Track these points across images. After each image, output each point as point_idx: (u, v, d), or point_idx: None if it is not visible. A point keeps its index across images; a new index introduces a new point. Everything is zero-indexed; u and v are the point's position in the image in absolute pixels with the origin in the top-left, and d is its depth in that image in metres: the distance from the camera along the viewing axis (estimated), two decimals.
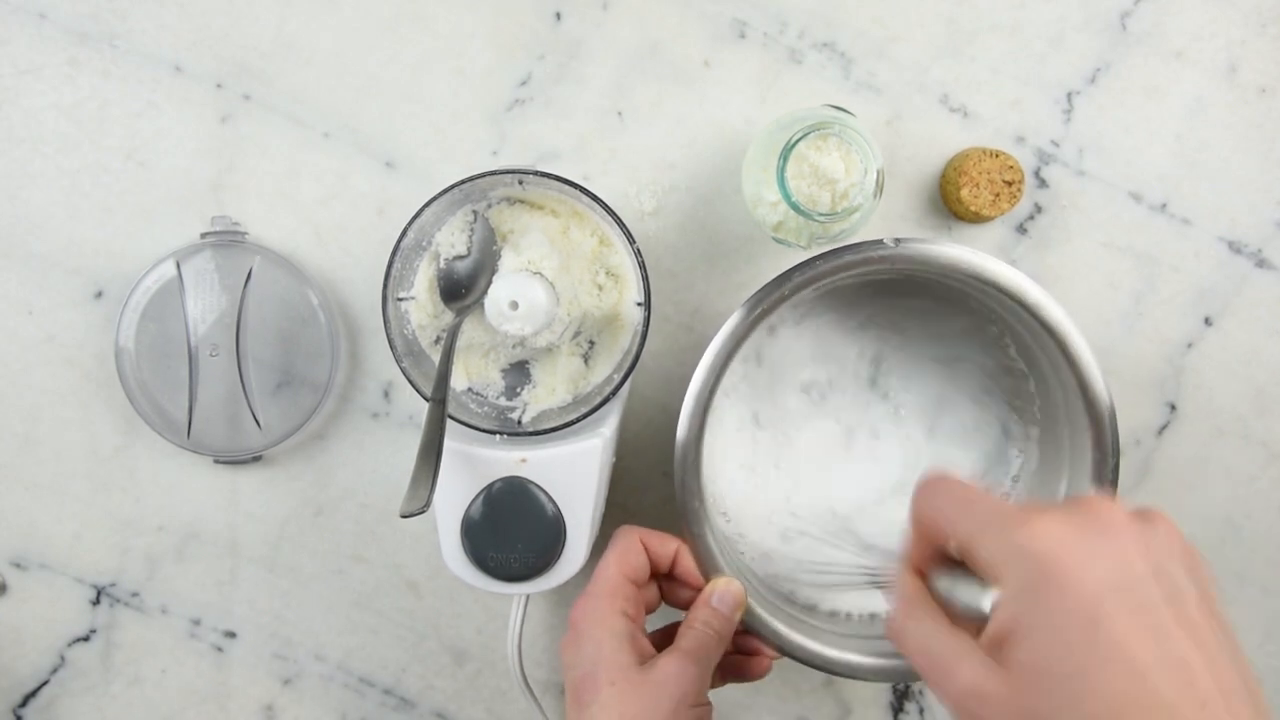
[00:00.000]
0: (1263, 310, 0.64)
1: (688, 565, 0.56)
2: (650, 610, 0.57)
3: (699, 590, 0.55)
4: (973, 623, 0.39)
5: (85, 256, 0.64)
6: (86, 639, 0.65)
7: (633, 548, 0.55)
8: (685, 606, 0.56)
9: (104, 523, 0.65)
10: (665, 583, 0.57)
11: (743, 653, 0.57)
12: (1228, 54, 0.63)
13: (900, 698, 0.66)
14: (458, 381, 0.59)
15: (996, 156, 0.61)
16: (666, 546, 0.55)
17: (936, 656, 0.39)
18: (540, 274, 0.56)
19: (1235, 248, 0.64)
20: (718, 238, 0.64)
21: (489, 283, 0.56)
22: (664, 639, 0.54)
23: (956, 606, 0.40)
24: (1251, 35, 0.63)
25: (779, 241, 0.58)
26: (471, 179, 0.55)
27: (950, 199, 0.62)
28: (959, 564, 0.41)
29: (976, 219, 0.62)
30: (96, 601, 0.65)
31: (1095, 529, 0.37)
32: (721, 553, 0.57)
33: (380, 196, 0.64)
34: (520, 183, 0.56)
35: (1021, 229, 0.64)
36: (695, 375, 0.55)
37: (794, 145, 0.53)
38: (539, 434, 0.56)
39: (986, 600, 0.39)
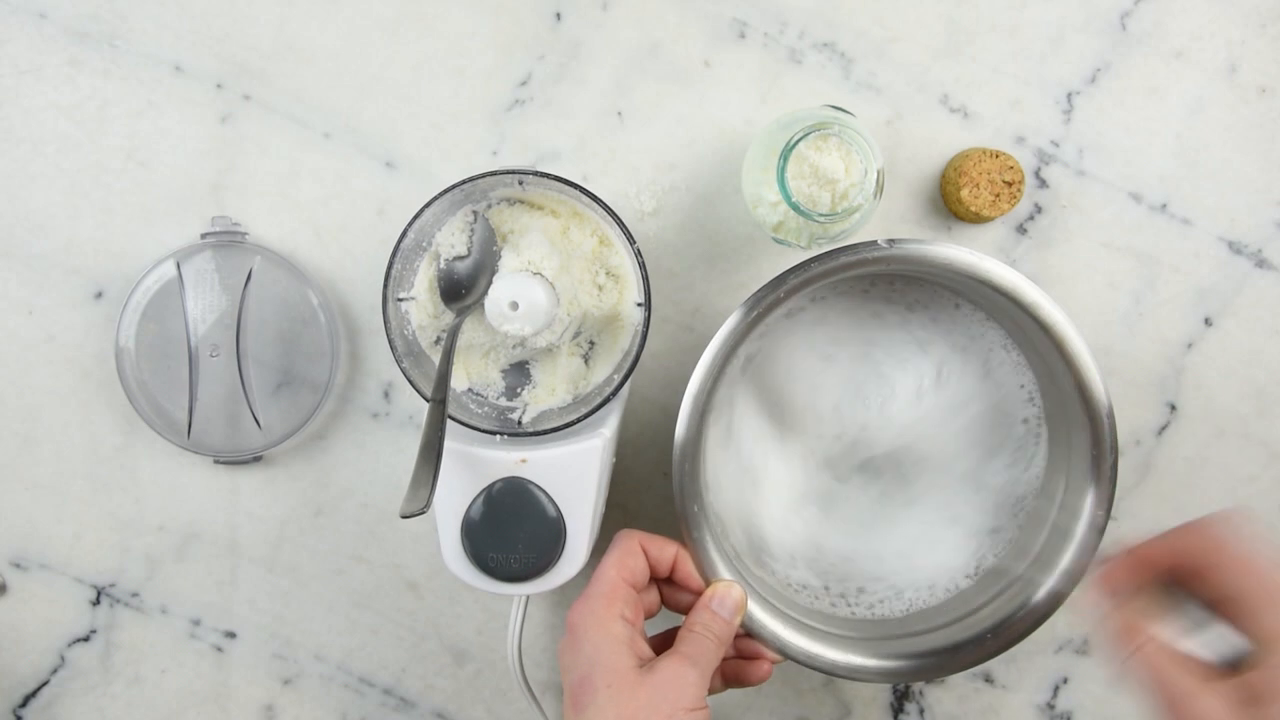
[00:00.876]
0: (1263, 310, 0.64)
1: (687, 569, 0.56)
2: (650, 615, 0.57)
3: (699, 594, 0.55)
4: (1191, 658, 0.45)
5: (85, 256, 0.64)
6: (86, 639, 0.66)
7: (632, 551, 0.54)
8: (685, 611, 0.56)
9: (104, 523, 0.65)
10: (665, 587, 0.57)
11: (743, 657, 0.57)
12: (1228, 54, 0.63)
13: (900, 698, 0.66)
14: (458, 382, 0.59)
15: (996, 157, 0.61)
16: (666, 550, 0.55)
17: (1176, 683, 0.44)
18: (540, 274, 0.56)
19: (1235, 248, 0.64)
20: (718, 238, 0.64)
21: (489, 283, 0.56)
22: (664, 643, 0.54)
23: (1183, 639, 0.46)
24: (1251, 35, 0.63)
25: (779, 241, 0.58)
26: (471, 179, 0.55)
27: (950, 199, 0.62)
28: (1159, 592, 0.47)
29: (976, 219, 0.62)
30: (96, 602, 0.65)
31: None
32: (721, 555, 0.57)
33: (380, 196, 0.64)
34: (520, 183, 0.56)
35: (1021, 229, 0.64)
36: (693, 376, 0.54)
37: (794, 145, 0.53)
38: (539, 434, 0.56)
39: (1225, 645, 0.45)
